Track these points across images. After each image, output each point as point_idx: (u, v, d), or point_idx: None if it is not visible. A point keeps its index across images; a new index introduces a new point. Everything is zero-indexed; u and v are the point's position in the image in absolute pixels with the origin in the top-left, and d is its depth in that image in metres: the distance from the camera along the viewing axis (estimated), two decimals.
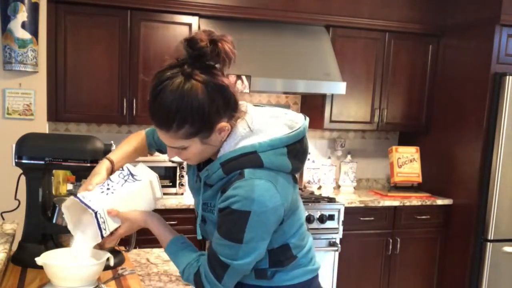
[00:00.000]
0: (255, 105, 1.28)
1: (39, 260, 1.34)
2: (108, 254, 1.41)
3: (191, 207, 3.21)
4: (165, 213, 3.10)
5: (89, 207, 1.26)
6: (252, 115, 1.22)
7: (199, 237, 1.32)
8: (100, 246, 1.50)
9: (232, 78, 3.27)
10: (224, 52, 1.12)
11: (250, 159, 1.17)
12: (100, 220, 1.27)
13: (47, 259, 1.37)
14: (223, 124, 1.16)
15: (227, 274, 1.19)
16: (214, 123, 1.14)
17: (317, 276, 1.36)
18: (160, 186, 1.40)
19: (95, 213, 1.26)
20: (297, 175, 1.31)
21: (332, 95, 3.69)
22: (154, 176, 1.40)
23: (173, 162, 3.51)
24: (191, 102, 1.10)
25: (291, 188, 1.24)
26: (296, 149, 1.22)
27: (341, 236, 3.46)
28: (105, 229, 1.28)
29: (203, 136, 1.16)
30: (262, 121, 1.22)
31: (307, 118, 1.29)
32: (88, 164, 1.61)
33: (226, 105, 1.15)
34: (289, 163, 1.20)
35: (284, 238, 1.25)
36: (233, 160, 1.17)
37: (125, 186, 1.34)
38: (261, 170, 1.17)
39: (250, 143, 1.18)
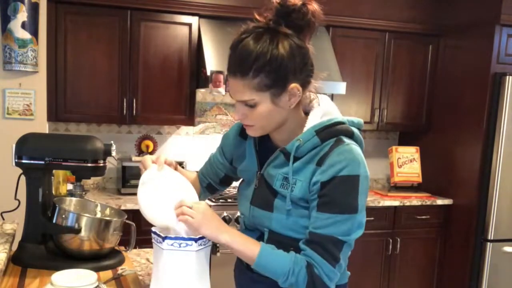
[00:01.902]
0: None
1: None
2: (95, 276, 1.36)
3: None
4: None
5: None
6: (327, 99, 1.30)
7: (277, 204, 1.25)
8: (100, 246, 1.49)
9: None
10: (312, 13, 1.16)
11: (343, 128, 1.22)
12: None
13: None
14: (296, 85, 1.17)
15: (342, 254, 1.17)
16: (288, 80, 1.15)
17: (347, 283, 1.36)
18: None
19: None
20: None
21: (332, 95, 3.69)
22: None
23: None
24: (272, 51, 1.12)
25: None
26: (361, 136, 1.28)
27: None
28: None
29: (275, 93, 1.16)
30: (335, 107, 1.30)
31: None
32: (88, 164, 1.61)
33: (303, 67, 1.18)
34: (363, 143, 1.27)
35: None
36: (327, 128, 1.20)
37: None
38: (352, 140, 1.22)
39: (336, 116, 1.24)
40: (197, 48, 3.40)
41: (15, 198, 1.68)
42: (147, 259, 1.84)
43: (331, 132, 1.20)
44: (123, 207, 3.04)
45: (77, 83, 3.23)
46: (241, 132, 1.40)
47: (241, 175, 1.40)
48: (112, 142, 1.69)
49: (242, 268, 1.39)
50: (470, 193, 3.64)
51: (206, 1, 3.37)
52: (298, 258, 1.18)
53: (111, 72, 3.28)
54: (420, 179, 3.92)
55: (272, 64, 1.12)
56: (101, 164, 1.64)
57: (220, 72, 3.20)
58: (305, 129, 1.22)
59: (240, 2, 3.44)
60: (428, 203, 3.77)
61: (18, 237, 1.70)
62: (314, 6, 1.16)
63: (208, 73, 3.19)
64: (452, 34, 3.82)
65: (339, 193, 1.15)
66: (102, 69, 3.26)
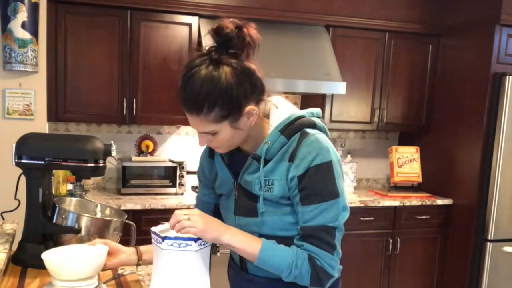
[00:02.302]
0: None
1: (44, 256, 1.34)
2: (106, 248, 1.41)
3: (191, 207, 3.21)
4: (165, 213, 3.11)
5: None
6: (283, 100, 1.33)
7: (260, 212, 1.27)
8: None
9: None
10: (249, 36, 1.18)
11: (304, 121, 1.26)
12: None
13: (50, 255, 1.36)
14: (251, 107, 1.20)
15: (336, 240, 1.22)
16: (243, 106, 1.18)
17: (340, 277, 1.38)
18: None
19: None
20: None
21: (332, 95, 3.69)
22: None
23: (172, 162, 3.51)
24: (220, 85, 1.14)
25: None
26: (323, 124, 1.32)
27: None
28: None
29: (233, 119, 1.19)
30: (287, 103, 1.33)
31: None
32: (88, 164, 1.61)
33: (253, 89, 1.20)
34: (327, 130, 1.31)
35: None
36: (290, 125, 1.24)
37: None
38: (316, 129, 1.26)
39: (294, 112, 1.27)
40: (197, 49, 3.39)
41: (15, 198, 1.68)
42: None
43: (294, 128, 1.24)
44: (123, 207, 3.04)
45: (77, 83, 3.23)
46: (209, 154, 1.43)
47: (219, 191, 1.40)
48: (112, 142, 1.69)
49: (236, 269, 1.39)
50: (470, 193, 3.64)
51: (206, 1, 3.37)
52: (299, 251, 1.20)
53: (111, 72, 3.28)
54: (420, 179, 3.92)
55: (223, 97, 1.15)
56: (101, 164, 1.64)
57: None
58: (269, 131, 1.25)
59: (240, 2, 3.44)
60: (428, 203, 3.77)
61: (18, 237, 1.71)
62: (249, 29, 1.18)
63: None
64: (452, 34, 3.82)
65: (317, 183, 1.18)
66: (102, 69, 3.26)
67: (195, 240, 1.20)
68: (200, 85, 1.15)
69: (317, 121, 1.29)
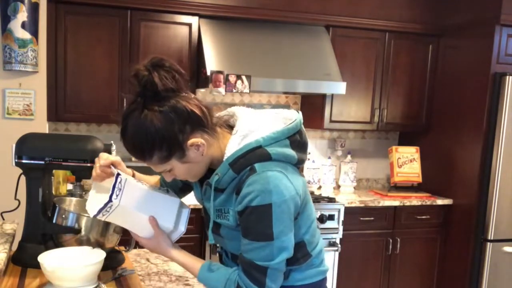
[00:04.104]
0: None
1: (40, 259, 1.34)
2: (104, 254, 1.41)
3: (191, 206, 3.20)
4: None
5: (116, 171, 1.29)
6: (247, 116, 1.26)
7: (212, 242, 1.31)
8: (100, 246, 1.50)
9: (232, 78, 3.28)
10: (164, 78, 1.14)
11: (257, 153, 1.19)
12: (118, 185, 1.25)
13: (46, 259, 1.37)
14: (195, 140, 1.17)
15: (269, 278, 1.18)
16: (182, 142, 1.17)
17: (326, 278, 1.37)
18: (187, 220, 1.36)
19: (118, 174, 1.27)
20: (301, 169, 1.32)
21: (332, 95, 3.69)
22: (186, 206, 1.38)
23: None
24: (149, 130, 1.14)
25: (300, 179, 1.25)
26: (297, 141, 1.25)
27: (341, 236, 3.47)
28: (117, 196, 1.23)
29: (179, 156, 1.19)
30: (259, 120, 1.25)
31: (300, 112, 1.33)
32: (88, 164, 1.61)
33: (187, 122, 1.16)
34: (294, 154, 1.23)
35: (300, 234, 1.26)
36: (240, 158, 1.19)
37: (156, 191, 1.34)
38: (270, 162, 1.19)
39: (254, 139, 1.20)
40: (197, 48, 3.40)
41: (15, 198, 1.68)
42: (147, 259, 1.84)
43: (244, 162, 1.18)
44: None
45: (77, 83, 3.23)
46: None
47: (195, 195, 1.42)
48: (112, 142, 1.69)
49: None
50: (470, 193, 3.64)
51: (206, 1, 3.37)
52: (231, 280, 1.21)
53: (111, 72, 3.28)
54: (420, 179, 3.92)
55: (157, 140, 1.15)
56: None
57: (220, 72, 3.20)
58: (225, 157, 1.21)
59: (240, 2, 3.44)
60: (428, 203, 3.77)
61: (18, 237, 1.71)
62: (159, 72, 1.14)
63: (208, 73, 3.19)
64: (452, 34, 3.82)
65: (252, 222, 1.17)
66: (102, 69, 3.26)
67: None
68: (132, 136, 1.17)
69: (274, 152, 1.19)
